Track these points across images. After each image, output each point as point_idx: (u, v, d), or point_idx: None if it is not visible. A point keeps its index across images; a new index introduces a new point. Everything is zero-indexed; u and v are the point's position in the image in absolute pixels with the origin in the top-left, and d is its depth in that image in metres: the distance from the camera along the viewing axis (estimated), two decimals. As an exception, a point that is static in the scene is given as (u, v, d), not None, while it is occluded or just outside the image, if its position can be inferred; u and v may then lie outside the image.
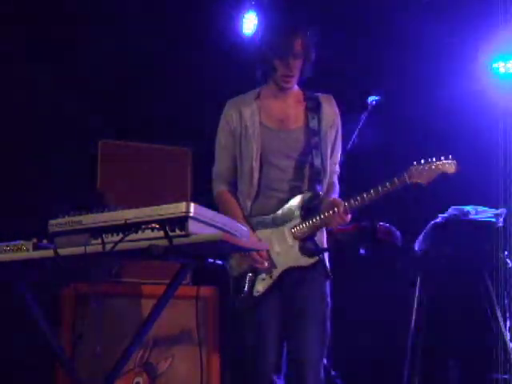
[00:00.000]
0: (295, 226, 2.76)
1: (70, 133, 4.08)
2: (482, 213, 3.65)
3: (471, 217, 3.63)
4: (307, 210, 2.77)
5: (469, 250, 3.61)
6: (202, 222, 1.96)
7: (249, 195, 2.81)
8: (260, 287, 2.75)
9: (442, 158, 2.73)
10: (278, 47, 2.77)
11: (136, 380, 3.47)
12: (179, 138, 3.95)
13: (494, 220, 3.62)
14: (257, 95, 2.91)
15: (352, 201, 2.72)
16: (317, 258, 2.75)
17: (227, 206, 2.83)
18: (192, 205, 1.94)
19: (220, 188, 2.90)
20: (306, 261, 2.74)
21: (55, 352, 2.36)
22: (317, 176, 2.79)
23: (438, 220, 3.70)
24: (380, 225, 4.05)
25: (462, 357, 4.10)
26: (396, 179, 2.71)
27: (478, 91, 4.38)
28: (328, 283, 2.82)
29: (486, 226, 3.60)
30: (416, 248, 3.79)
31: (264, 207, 2.80)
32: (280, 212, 2.78)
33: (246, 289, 2.74)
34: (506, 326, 3.70)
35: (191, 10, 4.40)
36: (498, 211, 3.65)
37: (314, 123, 2.83)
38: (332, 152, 2.87)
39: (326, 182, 2.84)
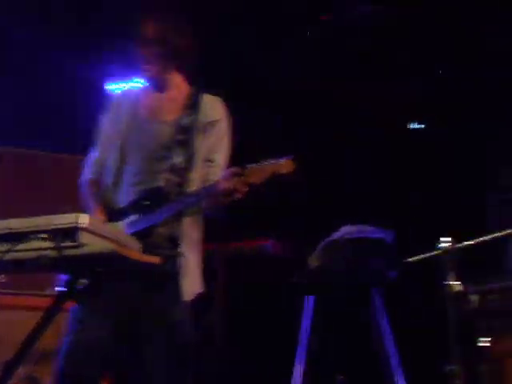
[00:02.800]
0: (131, 222, 2.56)
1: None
2: (372, 232, 3.78)
3: (361, 235, 3.75)
4: (143, 206, 2.57)
5: (358, 267, 3.72)
6: (95, 234, 1.93)
7: (110, 188, 2.65)
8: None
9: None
10: (134, 34, 2.66)
11: (18, 395, 3.34)
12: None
13: (383, 238, 3.75)
14: (146, 86, 2.77)
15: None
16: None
17: (88, 196, 2.71)
18: (83, 216, 1.90)
19: (86, 176, 2.74)
20: None
21: None
22: (175, 174, 2.60)
23: (330, 238, 3.80)
24: (273, 241, 4.13)
25: (348, 370, 4.20)
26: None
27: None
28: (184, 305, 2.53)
29: (375, 244, 3.72)
30: (310, 264, 3.87)
31: (121, 201, 2.63)
32: (122, 206, 2.61)
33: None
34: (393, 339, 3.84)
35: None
36: (388, 231, 3.79)
37: (186, 120, 2.66)
38: (210, 154, 2.66)
39: (192, 181, 2.62)
